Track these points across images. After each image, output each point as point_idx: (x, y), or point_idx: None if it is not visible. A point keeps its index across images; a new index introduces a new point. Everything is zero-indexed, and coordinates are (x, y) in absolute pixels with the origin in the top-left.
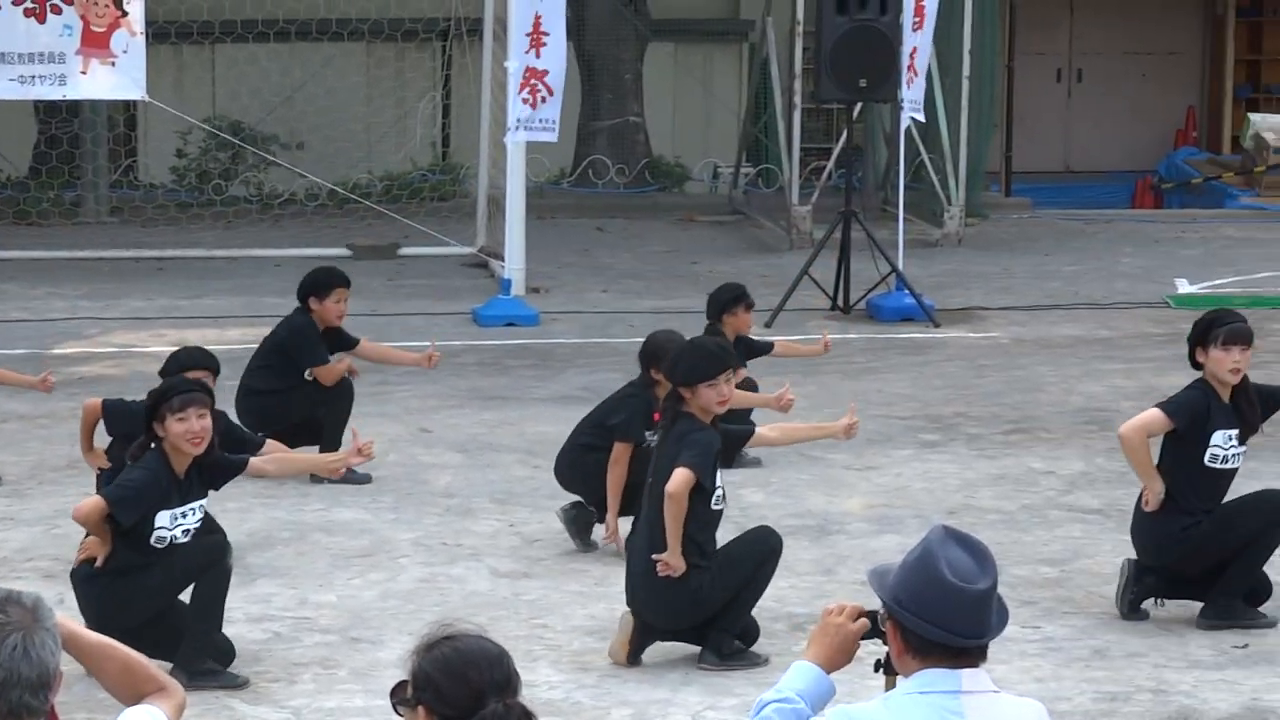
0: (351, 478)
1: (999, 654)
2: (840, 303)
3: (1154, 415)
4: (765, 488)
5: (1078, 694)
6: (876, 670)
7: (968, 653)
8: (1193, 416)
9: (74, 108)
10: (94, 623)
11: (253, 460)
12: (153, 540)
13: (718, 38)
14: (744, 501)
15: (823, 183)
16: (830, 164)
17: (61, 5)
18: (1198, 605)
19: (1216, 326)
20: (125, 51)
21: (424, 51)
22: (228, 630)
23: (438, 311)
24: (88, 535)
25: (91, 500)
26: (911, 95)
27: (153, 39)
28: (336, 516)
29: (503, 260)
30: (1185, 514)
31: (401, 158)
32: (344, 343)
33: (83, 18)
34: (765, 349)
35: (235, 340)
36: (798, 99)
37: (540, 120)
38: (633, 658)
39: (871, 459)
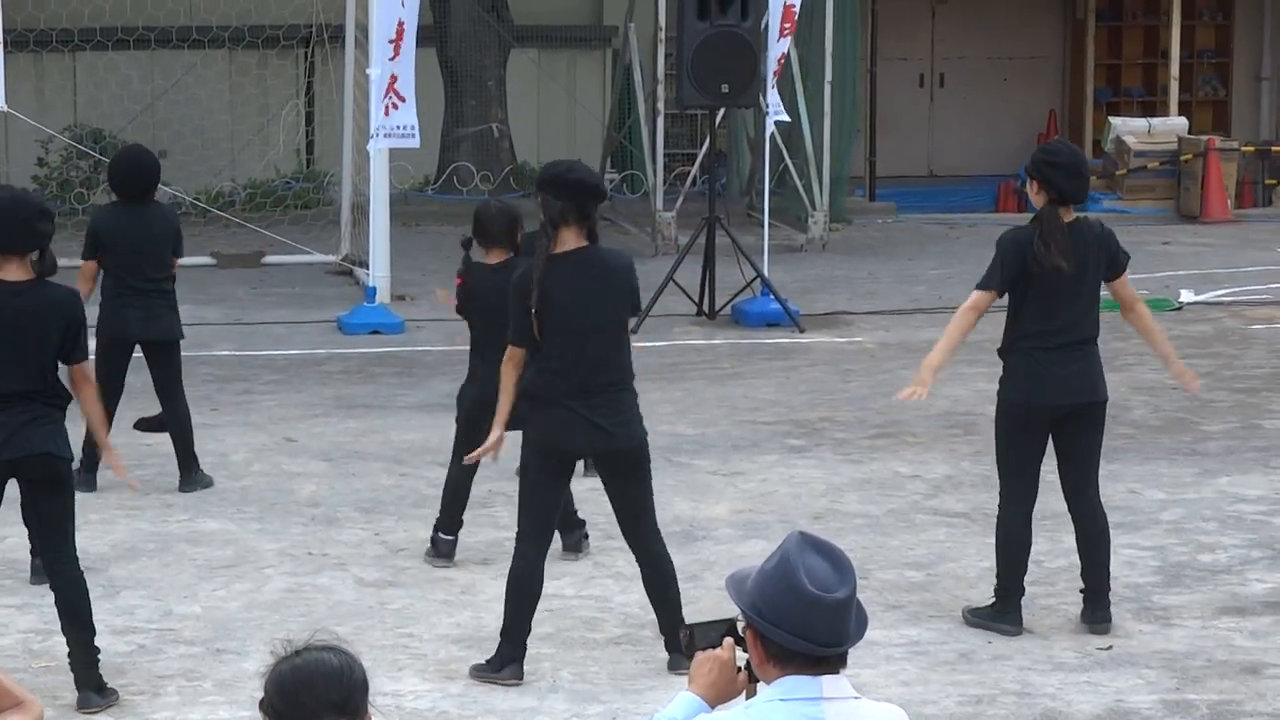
0: (199, 480)
1: (865, 658)
2: (705, 308)
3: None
4: None
5: (943, 697)
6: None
7: (828, 660)
8: None
9: None
10: None
11: None
12: None
13: (581, 44)
14: (608, 508)
15: (687, 188)
16: (694, 170)
17: None
18: (1063, 608)
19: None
20: None
21: (286, 59)
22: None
23: (302, 320)
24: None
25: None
26: (773, 99)
27: (11, 46)
28: (201, 527)
29: (367, 268)
30: None
31: (265, 165)
32: None
33: None
34: None
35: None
36: (661, 105)
37: (398, 127)
38: None
39: (737, 464)
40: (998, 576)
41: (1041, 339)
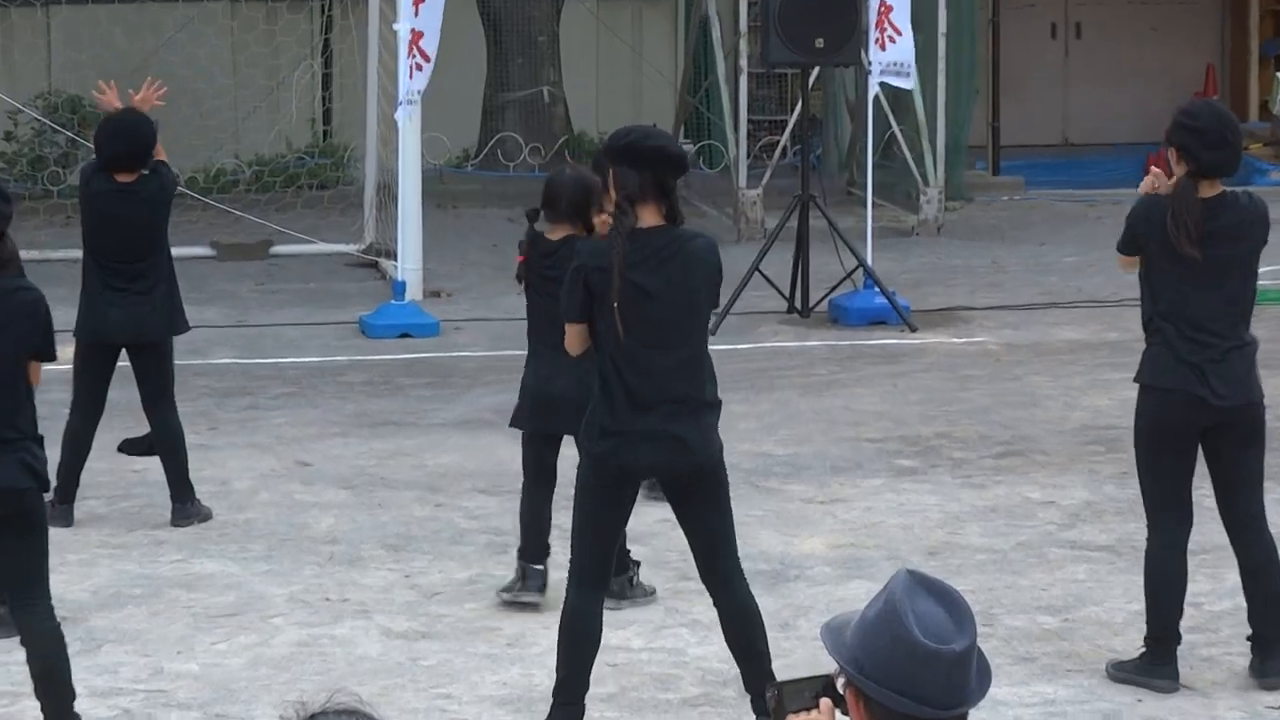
0: (195, 512)
1: None
2: (798, 304)
3: None
4: None
5: None
6: None
7: None
8: None
9: None
10: None
11: None
12: None
13: None
14: (684, 544)
15: (775, 162)
16: (784, 140)
17: None
18: (1227, 659)
19: None
20: None
21: (299, 12)
22: None
23: (318, 321)
24: None
25: None
26: (890, 57)
27: None
28: (197, 569)
29: (395, 259)
30: None
31: (274, 138)
32: None
33: None
34: None
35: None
36: (744, 63)
37: (417, 92)
38: None
39: (837, 490)
40: (1148, 622)
41: (1178, 327)
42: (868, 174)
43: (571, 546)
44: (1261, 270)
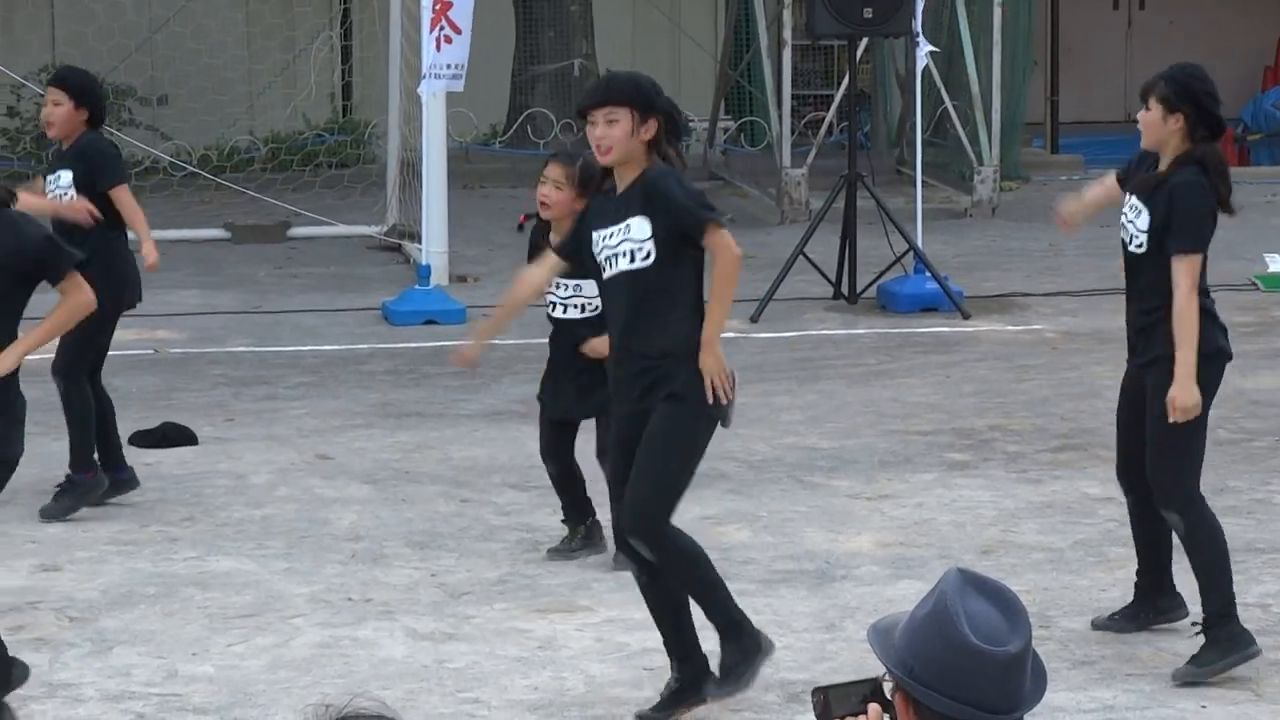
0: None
1: None
2: (845, 290)
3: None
4: (752, 523)
5: None
6: None
7: None
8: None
9: None
10: None
11: None
12: None
13: None
14: (726, 541)
15: (821, 139)
16: (830, 115)
17: None
18: None
19: None
20: None
21: None
22: (78, 710)
23: (339, 308)
24: None
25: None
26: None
27: None
28: (213, 566)
29: (419, 242)
30: None
31: (291, 114)
32: None
33: None
34: None
35: None
36: (787, 34)
37: (447, 66)
38: None
39: (885, 485)
40: (1215, 597)
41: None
42: (918, 152)
43: (667, 500)
44: None
